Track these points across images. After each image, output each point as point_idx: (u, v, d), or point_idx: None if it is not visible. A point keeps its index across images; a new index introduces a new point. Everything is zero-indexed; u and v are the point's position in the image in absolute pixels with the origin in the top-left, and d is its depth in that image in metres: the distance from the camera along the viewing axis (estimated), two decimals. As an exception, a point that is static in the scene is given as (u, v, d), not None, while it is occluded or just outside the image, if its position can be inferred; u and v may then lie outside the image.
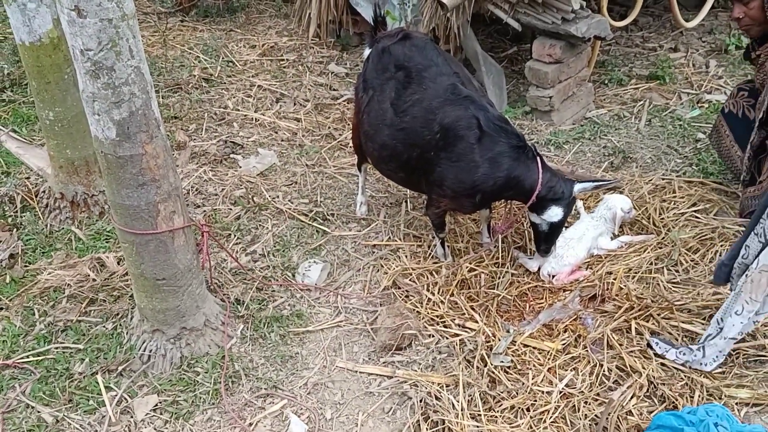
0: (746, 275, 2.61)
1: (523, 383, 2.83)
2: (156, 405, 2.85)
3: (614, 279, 3.25)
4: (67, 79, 3.47)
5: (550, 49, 4.42)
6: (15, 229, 3.71)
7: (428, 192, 3.31)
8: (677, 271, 3.31)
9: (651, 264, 3.35)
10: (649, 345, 2.93)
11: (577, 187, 3.18)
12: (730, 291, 2.72)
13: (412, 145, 3.17)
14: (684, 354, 2.84)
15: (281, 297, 3.35)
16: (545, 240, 3.29)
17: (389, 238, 3.69)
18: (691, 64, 5.24)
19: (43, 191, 3.83)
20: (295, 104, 4.93)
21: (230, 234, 3.71)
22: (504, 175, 3.07)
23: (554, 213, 3.16)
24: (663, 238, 3.48)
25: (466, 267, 3.38)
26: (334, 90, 5.14)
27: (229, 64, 5.38)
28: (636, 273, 3.31)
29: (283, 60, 5.49)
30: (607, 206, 3.51)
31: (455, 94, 3.11)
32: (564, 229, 3.37)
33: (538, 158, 3.14)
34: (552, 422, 2.68)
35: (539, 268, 3.37)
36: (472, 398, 2.77)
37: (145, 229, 2.73)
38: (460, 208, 3.35)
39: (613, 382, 2.82)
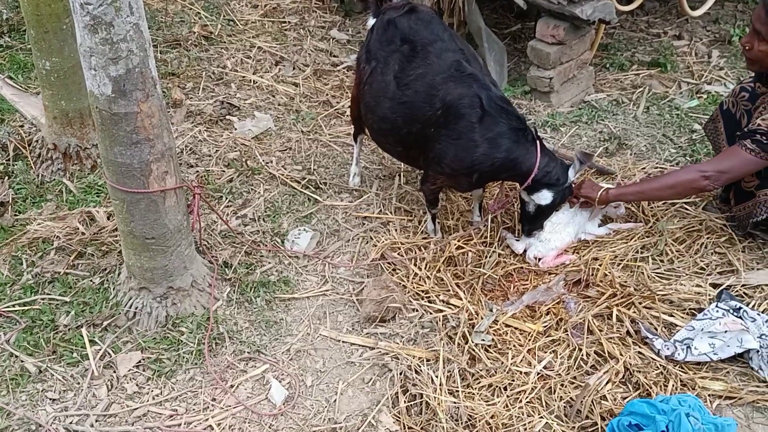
0: None
1: (503, 362, 2.87)
2: (139, 362, 2.88)
3: (600, 265, 3.28)
4: (65, 30, 3.42)
5: (554, 30, 4.39)
6: (6, 177, 3.70)
7: (425, 168, 3.31)
8: (662, 261, 3.34)
9: (637, 252, 3.38)
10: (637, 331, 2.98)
11: (572, 173, 3.19)
12: None
13: (413, 120, 3.16)
14: (668, 348, 2.88)
15: (269, 262, 3.37)
16: (529, 221, 3.32)
17: (380, 210, 3.70)
18: (694, 53, 5.21)
19: (36, 141, 3.81)
20: (294, 68, 4.89)
21: (221, 196, 3.71)
22: (502, 157, 3.08)
23: (543, 196, 3.18)
24: (651, 227, 3.50)
25: (455, 244, 3.40)
26: (334, 56, 5.09)
27: (230, 22, 5.31)
28: (621, 260, 3.33)
29: (285, 22, 5.42)
30: None
31: (459, 71, 3.10)
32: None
33: (538, 141, 3.14)
34: (528, 402, 2.73)
35: (525, 251, 3.40)
36: (451, 374, 2.81)
37: (136, 188, 2.73)
38: (457, 186, 3.36)
39: (591, 367, 2.86)
